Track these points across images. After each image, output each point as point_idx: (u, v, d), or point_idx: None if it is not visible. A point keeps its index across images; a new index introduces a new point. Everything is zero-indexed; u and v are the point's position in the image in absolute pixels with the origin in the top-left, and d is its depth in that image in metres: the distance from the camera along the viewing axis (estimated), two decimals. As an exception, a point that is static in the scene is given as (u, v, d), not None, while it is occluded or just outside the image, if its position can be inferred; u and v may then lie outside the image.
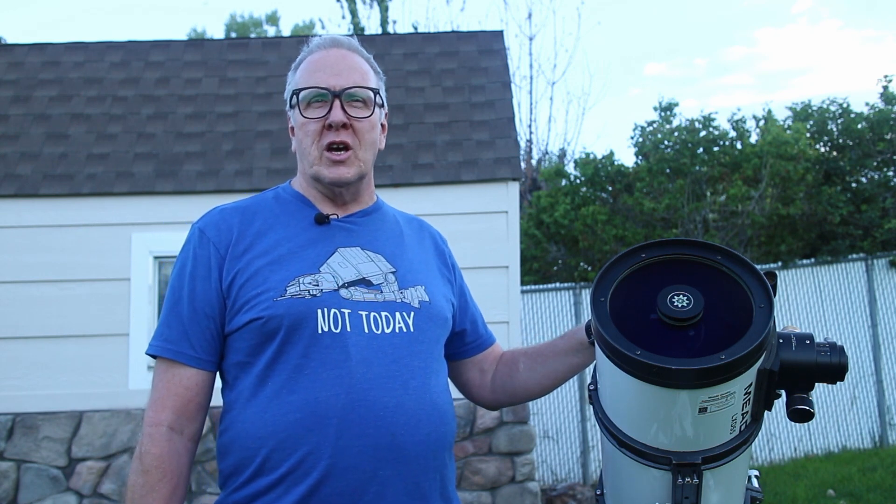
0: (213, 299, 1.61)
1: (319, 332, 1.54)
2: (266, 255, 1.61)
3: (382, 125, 1.77)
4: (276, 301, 1.55)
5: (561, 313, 8.67)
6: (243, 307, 1.58)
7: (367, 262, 1.66)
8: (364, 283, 1.62)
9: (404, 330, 1.60)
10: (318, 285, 1.58)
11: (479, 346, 1.85)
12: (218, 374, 1.65)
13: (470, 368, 1.85)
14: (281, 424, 1.51)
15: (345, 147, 1.66)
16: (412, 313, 1.62)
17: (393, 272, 1.67)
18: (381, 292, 1.62)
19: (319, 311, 1.55)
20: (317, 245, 1.65)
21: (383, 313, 1.60)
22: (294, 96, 1.69)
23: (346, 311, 1.57)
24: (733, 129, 10.84)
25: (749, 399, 1.12)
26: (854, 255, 9.21)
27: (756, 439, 1.20)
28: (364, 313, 1.58)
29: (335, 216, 1.70)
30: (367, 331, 1.57)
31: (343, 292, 1.59)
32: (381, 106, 1.74)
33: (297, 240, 1.65)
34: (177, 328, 1.61)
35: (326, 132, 1.65)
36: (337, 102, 1.65)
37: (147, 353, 1.65)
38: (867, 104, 11.00)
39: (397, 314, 1.61)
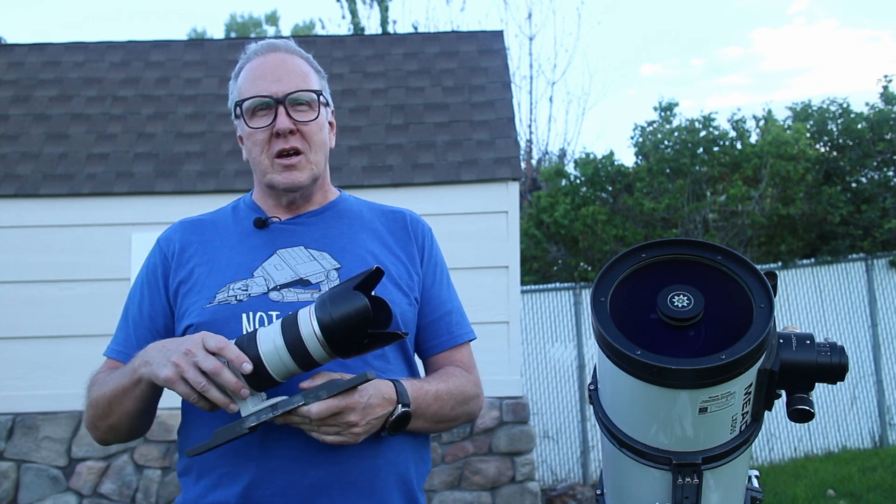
0: (159, 304, 1.66)
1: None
2: (206, 264, 1.65)
3: (331, 123, 1.76)
4: (205, 308, 1.59)
5: (561, 313, 8.67)
6: (183, 315, 1.62)
7: (309, 262, 1.64)
8: (301, 283, 1.61)
9: None
10: (246, 290, 1.60)
11: (431, 349, 1.74)
12: None
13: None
14: (205, 436, 1.49)
15: (295, 152, 1.65)
16: None
17: (337, 268, 1.64)
18: (320, 290, 1.60)
19: (244, 316, 1.56)
20: (255, 250, 1.66)
21: None
22: (237, 107, 1.69)
23: (274, 314, 1.56)
24: (733, 129, 10.84)
25: (749, 399, 1.13)
26: (854, 255, 9.22)
27: (756, 439, 1.21)
28: None
29: (276, 219, 1.70)
30: None
31: (273, 295, 1.59)
32: (327, 105, 1.73)
33: (237, 247, 1.67)
34: (124, 331, 1.67)
35: (275, 140, 1.65)
36: (281, 109, 1.64)
37: (103, 355, 1.69)
38: (867, 104, 11.02)
39: None
